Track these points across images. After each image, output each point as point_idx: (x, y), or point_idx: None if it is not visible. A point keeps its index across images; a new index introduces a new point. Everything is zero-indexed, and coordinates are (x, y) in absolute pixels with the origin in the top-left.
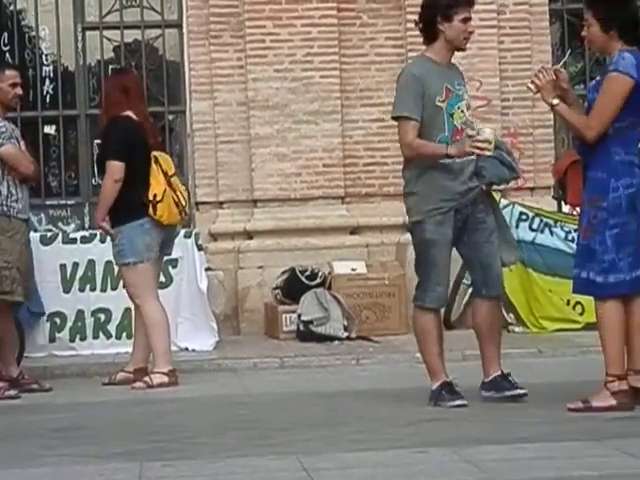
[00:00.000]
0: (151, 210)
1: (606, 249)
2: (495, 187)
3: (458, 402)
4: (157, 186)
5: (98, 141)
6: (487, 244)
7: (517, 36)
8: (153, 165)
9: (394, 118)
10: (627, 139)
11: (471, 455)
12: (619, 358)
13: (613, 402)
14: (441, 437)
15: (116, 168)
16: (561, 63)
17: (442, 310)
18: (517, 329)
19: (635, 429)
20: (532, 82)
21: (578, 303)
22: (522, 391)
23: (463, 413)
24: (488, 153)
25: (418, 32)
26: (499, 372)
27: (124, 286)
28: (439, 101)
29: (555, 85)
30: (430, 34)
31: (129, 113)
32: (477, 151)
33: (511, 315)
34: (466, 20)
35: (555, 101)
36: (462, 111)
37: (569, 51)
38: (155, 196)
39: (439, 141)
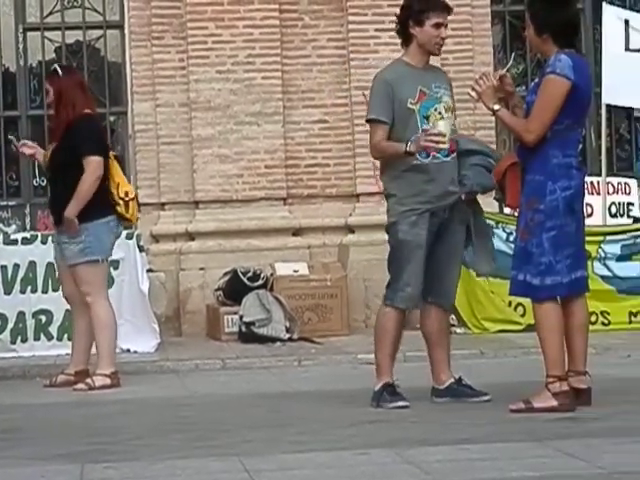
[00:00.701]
0: (123, 208)
1: (543, 251)
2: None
3: (400, 403)
4: (126, 184)
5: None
6: (451, 255)
7: (459, 38)
8: (115, 164)
9: (367, 121)
10: (565, 141)
11: (413, 456)
12: (559, 359)
13: (554, 403)
14: (383, 438)
15: (98, 164)
16: (505, 69)
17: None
18: (459, 330)
19: (576, 430)
20: (472, 89)
21: (520, 304)
22: (487, 397)
23: (405, 414)
24: (443, 146)
25: (360, 34)
26: (452, 379)
27: (76, 284)
28: (411, 103)
29: (499, 88)
30: (404, 37)
31: (88, 111)
32: (431, 144)
33: (453, 316)
34: (439, 25)
35: (496, 106)
36: (439, 112)
37: (512, 55)
38: (127, 194)
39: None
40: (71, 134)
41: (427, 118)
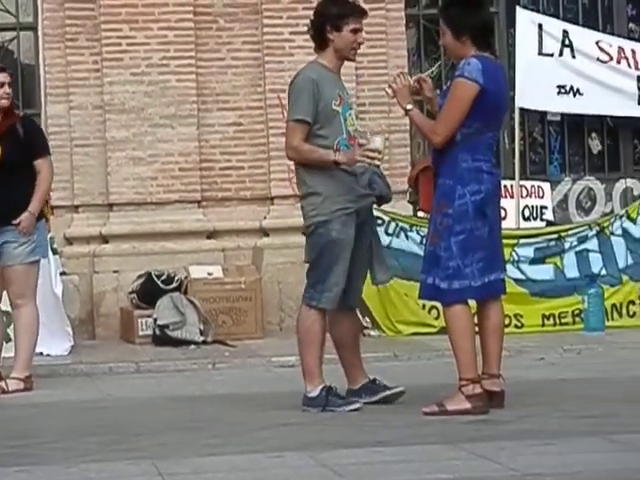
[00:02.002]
0: (49, 208)
1: (451, 255)
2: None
3: (356, 405)
4: None
5: None
6: (363, 257)
7: (373, 41)
8: None
9: (290, 121)
10: (475, 145)
11: (327, 459)
12: (471, 362)
13: (468, 406)
14: (297, 441)
15: (52, 163)
16: (426, 73)
17: None
18: (373, 333)
19: (489, 432)
20: (389, 86)
21: (433, 307)
22: (400, 389)
23: (320, 417)
24: (378, 162)
25: (274, 36)
26: (367, 379)
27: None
28: (335, 105)
29: (417, 92)
30: (320, 42)
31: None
32: (367, 160)
33: (367, 319)
34: (356, 31)
35: (409, 106)
36: (352, 118)
37: (439, 63)
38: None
39: (338, 143)
40: (17, 134)
41: (345, 121)
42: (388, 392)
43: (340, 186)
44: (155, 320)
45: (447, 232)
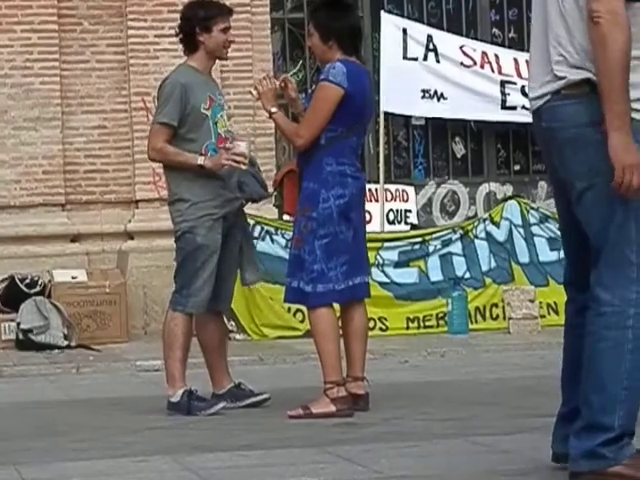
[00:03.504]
0: None
1: (315, 259)
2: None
3: (219, 407)
4: None
5: None
6: (232, 261)
7: (239, 44)
8: None
9: (155, 124)
10: (339, 149)
11: (192, 463)
12: (335, 365)
13: (332, 409)
14: (162, 445)
15: None
16: (290, 73)
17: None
18: (238, 337)
19: (354, 435)
20: (254, 88)
21: (299, 310)
22: (265, 395)
23: (184, 421)
24: (243, 167)
25: (139, 39)
26: (232, 383)
27: None
28: (204, 109)
29: (284, 95)
30: (190, 45)
31: None
32: (233, 164)
33: (232, 323)
34: (226, 30)
35: (273, 109)
36: (225, 120)
37: (300, 62)
38: None
39: (206, 147)
40: None
41: (216, 124)
42: (253, 399)
43: (206, 192)
44: (18, 324)
45: (311, 236)
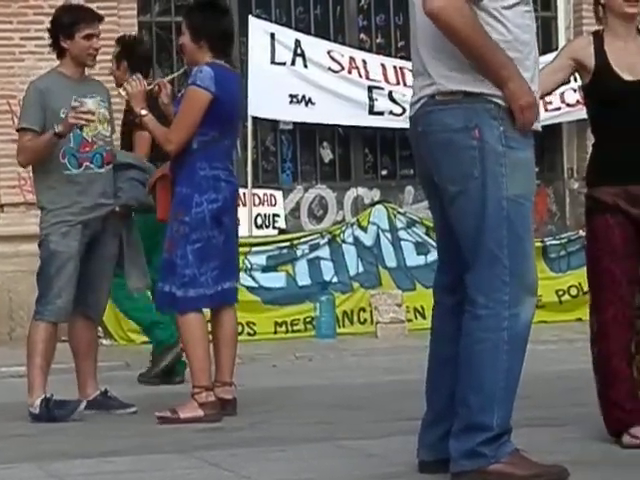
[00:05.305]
0: None
1: (187, 263)
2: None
3: (81, 407)
4: None
5: None
6: (103, 268)
7: (105, 47)
8: None
9: (18, 130)
10: (212, 154)
11: (57, 470)
12: (204, 370)
13: (200, 413)
14: (27, 452)
15: None
16: (168, 78)
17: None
18: (105, 342)
19: (221, 440)
20: (124, 88)
21: None
22: (133, 409)
23: (49, 428)
24: (92, 124)
25: (4, 42)
26: (98, 391)
27: None
28: (63, 113)
29: (158, 96)
30: (57, 50)
31: None
32: (81, 122)
33: (99, 328)
34: (90, 37)
35: (143, 111)
36: (97, 123)
37: (183, 69)
38: None
39: (64, 151)
40: None
41: (81, 128)
42: (121, 411)
43: (61, 199)
44: None
45: (183, 240)
